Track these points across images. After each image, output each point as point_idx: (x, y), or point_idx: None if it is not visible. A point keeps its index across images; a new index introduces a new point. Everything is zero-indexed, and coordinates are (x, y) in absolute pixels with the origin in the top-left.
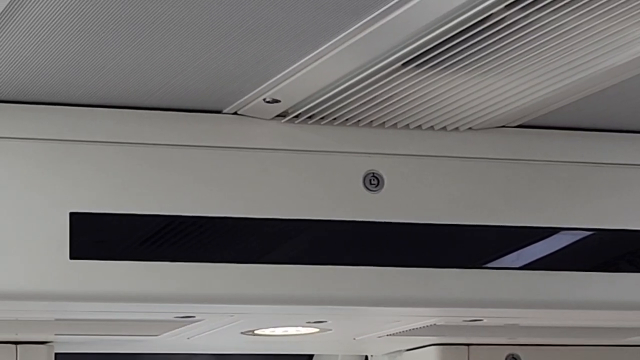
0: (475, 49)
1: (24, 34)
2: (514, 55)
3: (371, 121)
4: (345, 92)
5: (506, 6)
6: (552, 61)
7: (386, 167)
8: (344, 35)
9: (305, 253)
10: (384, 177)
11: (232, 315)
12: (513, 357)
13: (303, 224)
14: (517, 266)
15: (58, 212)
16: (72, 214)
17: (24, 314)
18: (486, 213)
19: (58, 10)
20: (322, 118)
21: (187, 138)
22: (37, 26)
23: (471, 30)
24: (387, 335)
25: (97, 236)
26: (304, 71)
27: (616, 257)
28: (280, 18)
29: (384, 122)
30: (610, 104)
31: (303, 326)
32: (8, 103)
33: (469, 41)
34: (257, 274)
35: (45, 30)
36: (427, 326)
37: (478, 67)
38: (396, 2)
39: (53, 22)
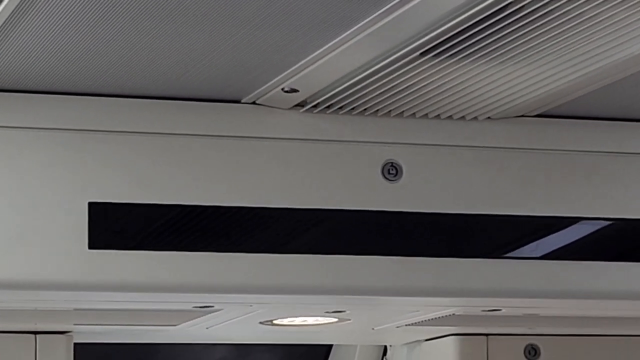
0: (494, 38)
1: (43, 24)
2: (532, 44)
3: (390, 111)
4: (364, 81)
5: None
6: (571, 50)
7: (405, 156)
8: (363, 24)
9: (323, 243)
10: (403, 166)
11: (250, 305)
12: (532, 347)
13: (321, 213)
14: (536, 256)
15: (77, 202)
16: (90, 204)
17: (43, 304)
18: (505, 203)
19: (77, 0)
20: (340, 107)
21: (206, 128)
22: (55, 16)
23: (490, 19)
24: (406, 325)
25: (116, 226)
26: (322, 60)
27: (636, 246)
28: (299, 7)
29: (402, 112)
30: (630, 93)
31: (322, 316)
32: (27, 93)
33: (487, 30)
34: (276, 263)
35: (64, 21)
36: (446, 316)
37: (497, 56)
38: None
39: (72, 13)
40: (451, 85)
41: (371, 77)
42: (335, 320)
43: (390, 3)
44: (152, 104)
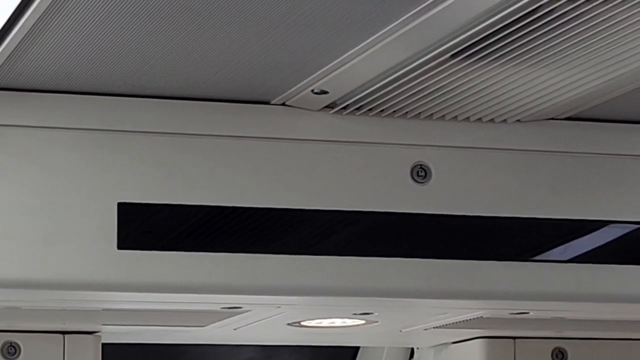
0: (524, 41)
1: (72, 24)
2: (563, 47)
3: (419, 113)
4: (394, 83)
5: None
6: (601, 53)
7: (434, 158)
8: (393, 27)
9: (352, 244)
10: (432, 168)
11: (278, 307)
12: (559, 351)
13: (350, 215)
14: (564, 259)
15: (106, 202)
16: (120, 204)
17: (71, 304)
18: (534, 206)
19: (106, 0)
20: (370, 109)
21: (235, 129)
22: (84, 17)
23: (520, 22)
24: (434, 327)
25: (145, 226)
26: (352, 62)
27: None
28: (329, 9)
29: (432, 114)
30: None
31: (349, 318)
32: (56, 93)
33: (518, 33)
34: (304, 265)
35: (93, 21)
36: (474, 319)
37: (527, 58)
38: None
39: (101, 13)
40: (481, 88)
41: (401, 79)
42: (363, 322)
43: (420, 5)
44: (181, 105)
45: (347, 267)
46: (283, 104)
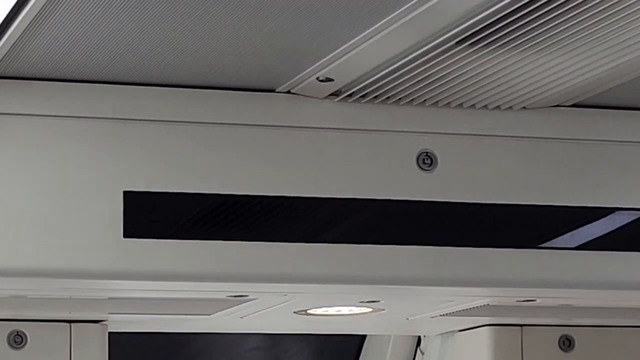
0: (530, 27)
1: (78, 11)
2: (569, 34)
3: (424, 100)
4: (399, 70)
5: None
6: (607, 39)
7: (440, 146)
8: (398, 13)
9: (358, 232)
10: (438, 156)
11: (285, 295)
12: (566, 338)
13: (356, 203)
14: (571, 246)
15: (112, 190)
16: (126, 193)
17: (77, 293)
18: (540, 193)
19: None
20: (375, 97)
21: (241, 117)
22: (90, 4)
23: (526, 8)
24: (440, 315)
25: (151, 215)
26: (357, 49)
27: None
28: None
29: (437, 101)
30: None
31: (356, 306)
32: (62, 82)
33: (523, 19)
34: (311, 253)
35: (99, 9)
36: (481, 306)
37: (532, 45)
38: None
39: (108, 0)
40: (486, 75)
41: (406, 66)
42: (370, 310)
43: None
44: (186, 93)
45: (353, 255)
46: (288, 92)
